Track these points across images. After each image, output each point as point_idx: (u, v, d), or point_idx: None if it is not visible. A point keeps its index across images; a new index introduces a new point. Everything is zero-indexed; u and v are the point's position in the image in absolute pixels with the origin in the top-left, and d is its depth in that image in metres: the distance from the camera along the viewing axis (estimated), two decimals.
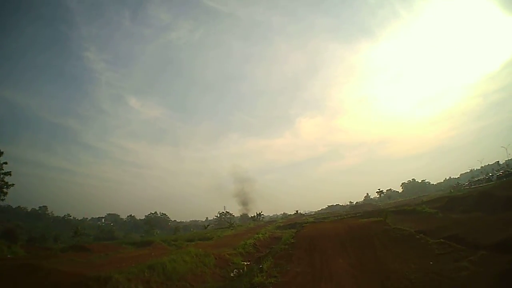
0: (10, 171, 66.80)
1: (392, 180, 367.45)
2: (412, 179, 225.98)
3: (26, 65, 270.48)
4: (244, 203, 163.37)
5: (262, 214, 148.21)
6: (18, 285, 20.19)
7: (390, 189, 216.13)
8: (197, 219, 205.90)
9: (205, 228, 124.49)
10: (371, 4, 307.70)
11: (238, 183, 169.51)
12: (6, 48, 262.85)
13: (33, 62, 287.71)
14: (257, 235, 49.07)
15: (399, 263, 17.65)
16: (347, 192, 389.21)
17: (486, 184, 74.66)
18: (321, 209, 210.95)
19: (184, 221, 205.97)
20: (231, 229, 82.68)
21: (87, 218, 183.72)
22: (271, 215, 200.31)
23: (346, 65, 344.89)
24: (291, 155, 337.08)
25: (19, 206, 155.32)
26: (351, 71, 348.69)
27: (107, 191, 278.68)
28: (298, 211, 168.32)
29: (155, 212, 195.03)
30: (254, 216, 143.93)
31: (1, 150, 66.10)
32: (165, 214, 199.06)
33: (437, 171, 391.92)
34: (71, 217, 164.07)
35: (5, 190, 66.41)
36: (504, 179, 68.77)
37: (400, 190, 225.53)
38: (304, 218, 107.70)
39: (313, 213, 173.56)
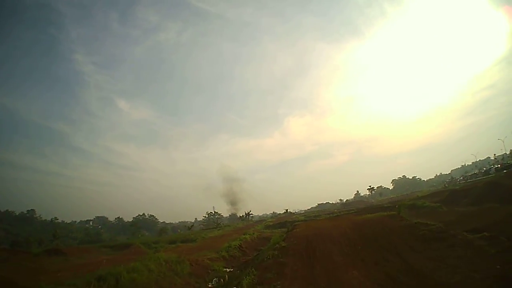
0: None
1: (383, 177, 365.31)
2: (403, 175, 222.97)
3: (13, 67, 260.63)
4: (233, 202, 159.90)
5: (251, 214, 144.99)
6: None
7: (381, 186, 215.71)
8: (186, 220, 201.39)
9: (189, 229, 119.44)
10: (359, 3, 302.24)
11: (227, 183, 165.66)
12: None
13: (21, 64, 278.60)
14: (244, 236, 44.47)
15: (446, 271, 12.58)
16: (337, 190, 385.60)
17: (484, 177, 71.03)
18: (311, 208, 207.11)
19: (173, 222, 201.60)
20: (218, 230, 78.70)
21: (75, 221, 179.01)
22: (260, 214, 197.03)
23: (334, 64, 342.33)
24: (280, 155, 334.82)
25: (7, 210, 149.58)
26: (339, 70, 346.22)
27: (96, 194, 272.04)
28: (288, 210, 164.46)
29: (143, 214, 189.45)
30: (243, 215, 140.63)
31: None
32: (153, 215, 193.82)
33: (428, 167, 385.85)
34: (59, 220, 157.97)
35: None
36: (505, 171, 65.13)
37: (391, 187, 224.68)
38: (294, 216, 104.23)
39: (303, 211, 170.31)
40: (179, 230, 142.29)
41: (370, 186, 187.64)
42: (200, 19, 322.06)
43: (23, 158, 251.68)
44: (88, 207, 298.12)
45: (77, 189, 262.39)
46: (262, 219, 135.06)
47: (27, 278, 21.08)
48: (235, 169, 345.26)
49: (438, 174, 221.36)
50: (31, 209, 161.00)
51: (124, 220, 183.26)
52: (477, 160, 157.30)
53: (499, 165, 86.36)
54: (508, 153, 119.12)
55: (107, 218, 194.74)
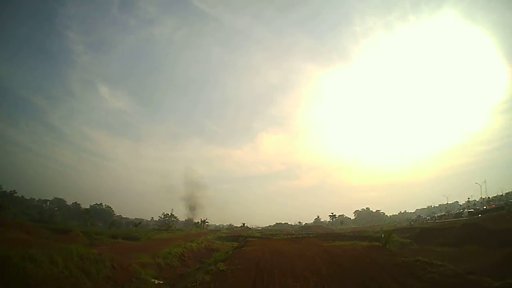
0: None
1: (345, 207, 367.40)
2: (366, 207, 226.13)
3: (6, 33, 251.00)
4: (192, 208, 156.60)
5: (207, 222, 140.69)
6: None
7: (343, 215, 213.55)
8: (143, 218, 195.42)
9: (136, 226, 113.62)
10: (356, 32, 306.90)
11: (190, 187, 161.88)
12: None
13: (14, 32, 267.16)
14: (190, 244, 40.35)
15: None
16: (297, 212, 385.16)
17: (455, 219, 71.87)
18: (269, 226, 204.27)
19: (130, 217, 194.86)
20: (168, 233, 73.87)
21: (34, 199, 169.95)
22: (217, 224, 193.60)
23: (317, 87, 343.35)
24: (247, 168, 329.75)
25: None
26: (321, 94, 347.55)
27: (60, 175, 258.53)
28: (245, 224, 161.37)
29: (101, 204, 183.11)
30: (198, 222, 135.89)
31: None
32: (110, 207, 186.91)
33: (392, 204, 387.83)
34: (18, 195, 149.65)
35: None
36: (480, 215, 65.31)
37: (352, 217, 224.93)
38: (250, 232, 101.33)
39: (260, 228, 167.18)
40: (130, 226, 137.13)
41: (332, 213, 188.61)
42: (196, 19, 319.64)
43: None
44: (49, 187, 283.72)
45: (43, 166, 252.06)
46: (217, 229, 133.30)
47: None
48: (201, 174, 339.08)
49: (402, 212, 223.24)
50: None
51: (81, 206, 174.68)
52: (446, 203, 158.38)
53: (472, 209, 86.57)
54: (489, 196, 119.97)
55: (65, 201, 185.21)
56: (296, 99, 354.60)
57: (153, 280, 21.62)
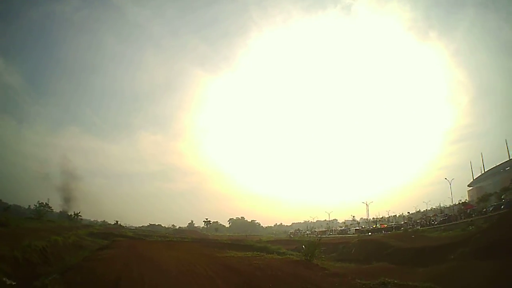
0: None
1: (219, 214, 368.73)
2: (241, 217, 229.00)
3: None
4: (67, 199, 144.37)
5: (80, 216, 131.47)
6: None
7: (217, 221, 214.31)
8: (20, 204, 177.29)
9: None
10: (249, 45, 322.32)
11: (65, 177, 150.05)
12: None
13: None
14: (56, 237, 34.22)
15: None
16: (171, 214, 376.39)
17: (343, 235, 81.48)
18: (142, 226, 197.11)
19: (8, 203, 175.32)
20: (39, 222, 67.31)
21: None
22: (92, 219, 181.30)
23: (203, 93, 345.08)
24: (124, 165, 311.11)
25: None
26: (205, 100, 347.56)
27: None
28: (118, 222, 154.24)
29: None
30: (72, 215, 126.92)
31: None
32: None
33: (267, 215, 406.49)
34: None
35: None
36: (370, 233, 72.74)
37: (227, 225, 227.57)
38: (123, 230, 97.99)
39: (134, 228, 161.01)
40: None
41: (206, 219, 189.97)
42: (99, 4, 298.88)
43: None
44: None
45: None
46: (90, 224, 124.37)
47: None
48: (77, 165, 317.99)
49: (278, 224, 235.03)
50: None
51: None
52: (325, 220, 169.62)
53: (358, 227, 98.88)
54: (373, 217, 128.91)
55: None
56: (180, 102, 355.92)
57: (4, 279, 18.07)
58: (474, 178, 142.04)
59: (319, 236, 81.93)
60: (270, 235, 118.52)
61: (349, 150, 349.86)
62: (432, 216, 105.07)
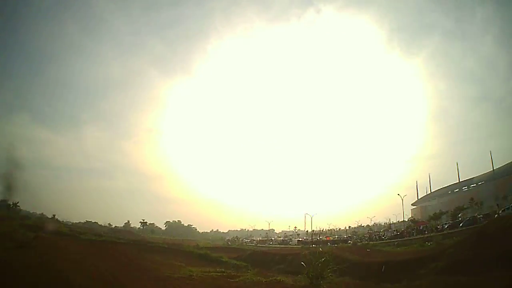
0: None
1: (156, 216, 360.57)
2: (178, 220, 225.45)
3: None
4: (8, 188, 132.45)
5: (19, 206, 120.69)
6: None
7: (154, 223, 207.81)
8: None
9: None
10: (207, 50, 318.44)
11: (9, 165, 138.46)
12: None
13: None
14: None
15: None
16: (108, 213, 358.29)
17: (284, 245, 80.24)
18: (79, 222, 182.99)
19: None
20: None
21: None
22: (31, 211, 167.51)
23: (156, 95, 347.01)
24: (68, 158, 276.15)
25: None
26: (157, 102, 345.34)
27: None
28: (56, 216, 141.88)
29: None
30: (11, 205, 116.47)
31: None
32: None
33: (204, 221, 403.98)
34: None
35: None
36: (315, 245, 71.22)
37: (163, 227, 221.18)
38: (59, 225, 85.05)
39: (70, 223, 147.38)
40: None
41: (143, 220, 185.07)
42: None
43: None
44: None
45: None
46: (28, 216, 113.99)
47: None
48: (22, 154, 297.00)
49: (214, 230, 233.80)
50: None
51: None
52: (262, 229, 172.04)
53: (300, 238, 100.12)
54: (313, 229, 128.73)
55: None
56: (131, 101, 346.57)
57: None
58: (418, 198, 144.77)
59: (328, 243, 79.40)
60: (207, 241, 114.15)
61: (294, 163, 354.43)
62: (382, 231, 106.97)
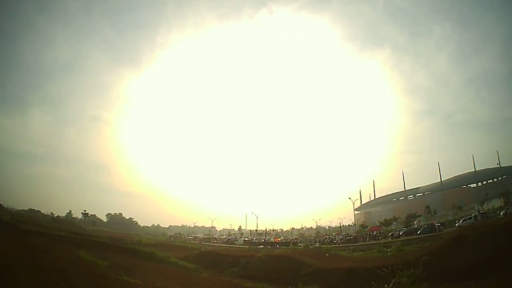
0: None
1: (97, 207, 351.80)
2: (120, 213, 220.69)
3: None
4: None
5: None
6: None
7: (95, 215, 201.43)
8: None
9: None
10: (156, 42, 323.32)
11: None
12: None
13: None
14: None
15: None
16: (51, 201, 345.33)
17: (231, 245, 79.48)
18: (23, 210, 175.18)
19: None
20: None
21: None
22: None
23: (103, 81, 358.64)
24: (13, 142, 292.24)
25: None
26: (104, 89, 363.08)
27: None
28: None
29: None
30: None
31: None
32: None
33: (145, 214, 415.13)
34: None
35: None
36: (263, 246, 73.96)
37: (105, 219, 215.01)
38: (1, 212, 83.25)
39: (14, 211, 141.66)
40: None
41: (85, 211, 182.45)
42: None
43: None
44: None
45: None
46: None
47: None
48: None
49: (155, 224, 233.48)
50: None
51: None
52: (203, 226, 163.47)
53: (246, 238, 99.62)
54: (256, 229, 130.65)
55: None
56: (78, 86, 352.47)
57: None
58: (362, 203, 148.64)
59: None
60: (149, 236, 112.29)
61: (242, 162, 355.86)
62: (333, 234, 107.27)
